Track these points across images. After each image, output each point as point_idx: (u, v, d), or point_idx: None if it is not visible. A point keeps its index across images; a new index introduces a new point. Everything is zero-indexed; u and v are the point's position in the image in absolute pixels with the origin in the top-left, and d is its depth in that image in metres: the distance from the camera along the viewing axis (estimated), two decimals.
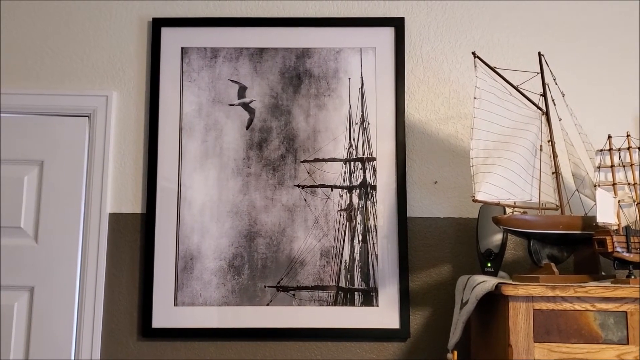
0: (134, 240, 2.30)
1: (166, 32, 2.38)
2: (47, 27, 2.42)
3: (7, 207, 2.28)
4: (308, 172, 2.32)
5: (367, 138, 2.33)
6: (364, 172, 2.31)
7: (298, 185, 2.31)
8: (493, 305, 1.84)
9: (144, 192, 2.32)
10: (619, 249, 1.76)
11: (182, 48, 2.38)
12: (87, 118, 2.35)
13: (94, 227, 2.28)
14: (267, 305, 2.25)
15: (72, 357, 2.23)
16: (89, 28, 2.42)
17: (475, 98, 1.89)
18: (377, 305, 2.24)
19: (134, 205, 2.32)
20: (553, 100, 2.06)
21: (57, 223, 2.28)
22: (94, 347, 2.22)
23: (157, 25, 2.38)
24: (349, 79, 2.36)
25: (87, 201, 2.30)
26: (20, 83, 2.38)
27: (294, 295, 2.26)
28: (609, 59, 2.38)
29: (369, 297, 2.25)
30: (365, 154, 2.32)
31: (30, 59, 2.40)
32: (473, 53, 1.93)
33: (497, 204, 1.87)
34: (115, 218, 2.31)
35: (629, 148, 1.90)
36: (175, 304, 2.25)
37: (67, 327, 2.23)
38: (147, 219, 2.29)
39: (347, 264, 2.27)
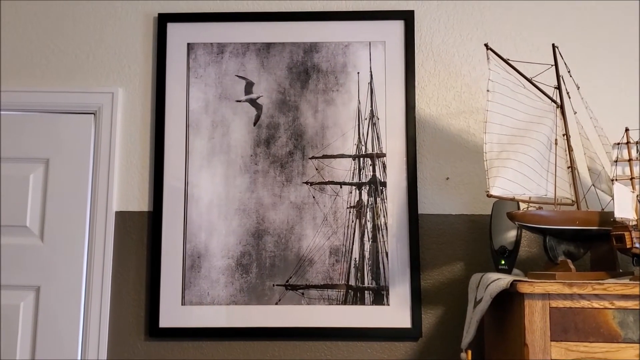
0: (141, 238, 2.28)
1: (172, 28, 2.36)
2: (52, 24, 2.39)
3: (13, 206, 2.26)
4: (316, 169, 2.28)
5: (377, 134, 2.29)
6: (374, 169, 2.28)
7: (306, 182, 2.28)
8: (508, 304, 1.80)
9: (151, 190, 2.30)
10: (637, 245, 1.72)
11: (188, 44, 2.35)
12: (92, 115, 2.33)
13: (100, 226, 2.26)
14: (276, 304, 2.22)
15: (79, 357, 2.20)
16: (94, 24, 2.40)
17: (488, 91, 1.85)
18: (388, 304, 2.20)
19: (141, 203, 2.30)
20: (568, 93, 2.02)
21: (63, 222, 2.26)
22: (101, 347, 2.20)
23: (163, 20, 2.36)
24: (358, 73, 2.32)
25: (93, 199, 2.28)
26: (25, 81, 2.36)
27: (303, 294, 2.22)
28: (625, 51, 2.33)
29: (380, 295, 2.21)
30: (375, 150, 2.28)
31: (35, 56, 2.38)
32: (485, 45, 1.89)
33: (512, 199, 1.83)
34: (121, 216, 2.29)
35: None
36: (183, 303, 2.22)
37: (74, 326, 2.21)
38: (154, 217, 2.26)
39: (357, 262, 2.23)
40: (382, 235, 2.24)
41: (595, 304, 1.66)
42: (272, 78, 2.33)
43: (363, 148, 2.29)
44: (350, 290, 2.22)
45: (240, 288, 2.23)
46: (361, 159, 2.29)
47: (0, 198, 2.26)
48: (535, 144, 1.86)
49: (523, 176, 1.81)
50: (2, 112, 2.32)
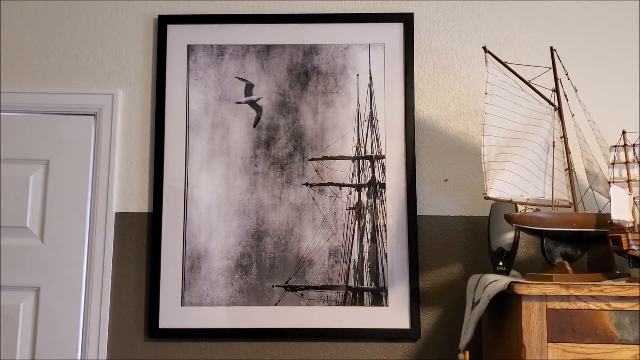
0: (141, 239, 2.29)
1: (172, 30, 2.36)
2: (52, 25, 2.40)
3: (13, 207, 2.27)
4: (316, 171, 2.29)
5: (376, 135, 2.30)
6: (373, 170, 2.28)
7: (306, 184, 2.29)
8: (505, 305, 1.81)
9: (151, 191, 2.30)
10: (634, 247, 1.72)
11: (188, 45, 2.36)
12: (92, 117, 2.34)
13: (100, 227, 2.26)
14: (275, 305, 2.22)
15: (79, 358, 2.21)
16: (95, 26, 2.40)
17: (486, 93, 1.86)
18: (387, 305, 2.21)
19: (141, 204, 2.31)
20: (565, 96, 2.03)
21: (63, 222, 2.27)
22: (101, 348, 2.20)
23: (163, 22, 2.36)
24: (357, 75, 2.33)
25: (93, 200, 2.28)
26: (25, 82, 2.37)
27: (302, 295, 2.23)
28: (623, 54, 2.34)
29: (379, 296, 2.22)
30: (374, 151, 2.29)
31: (36, 57, 2.39)
32: (484, 48, 1.90)
33: (510, 202, 1.84)
34: (121, 217, 2.30)
35: None
36: (183, 304, 2.23)
37: (74, 327, 2.22)
38: (154, 218, 2.27)
39: (356, 263, 2.24)
40: (381, 237, 2.25)
41: (592, 305, 1.67)
42: (271, 80, 2.34)
43: (362, 150, 2.30)
44: (349, 291, 2.23)
45: (240, 289, 2.23)
46: (360, 160, 2.30)
47: (0, 199, 2.27)
48: (532, 147, 1.87)
49: (520, 178, 1.81)
50: (2, 114, 2.32)
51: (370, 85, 2.32)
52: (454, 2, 2.38)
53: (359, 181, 2.29)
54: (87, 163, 2.30)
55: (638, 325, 1.66)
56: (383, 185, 2.28)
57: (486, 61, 1.89)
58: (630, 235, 1.72)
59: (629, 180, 1.84)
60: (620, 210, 1.74)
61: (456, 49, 2.36)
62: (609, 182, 1.85)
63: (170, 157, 2.30)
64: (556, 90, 1.99)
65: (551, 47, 2.05)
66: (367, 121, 2.31)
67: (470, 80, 2.34)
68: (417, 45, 2.35)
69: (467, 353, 1.86)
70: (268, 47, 2.35)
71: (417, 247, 2.23)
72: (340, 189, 2.28)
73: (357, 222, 2.27)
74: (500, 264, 2.01)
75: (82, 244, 2.26)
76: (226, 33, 2.36)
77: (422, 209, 2.28)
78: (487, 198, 1.77)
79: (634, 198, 1.80)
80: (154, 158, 2.31)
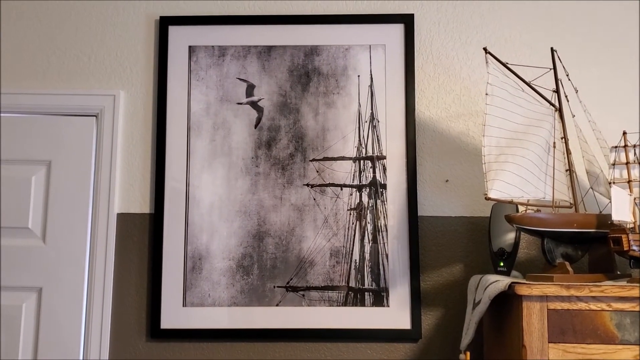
0: (142, 240, 2.29)
1: (174, 31, 2.37)
2: (53, 26, 2.41)
3: (15, 208, 2.27)
4: (317, 171, 2.29)
5: (377, 136, 2.30)
6: (374, 171, 2.29)
7: (307, 185, 2.29)
8: (506, 305, 1.81)
9: (152, 192, 2.31)
10: (634, 248, 1.73)
11: (189, 46, 2.36)
12: (94, 118, 2.34)
13: (102, 228, 2.27)
14: (277, 305, 2.23)
15: (81, 358, 2.22)
16: (96, 27, 2.41)
17: (487, 94, 1.86)
18: (388, 306, 2.22)
19: (142, 205, 2.31)
20: (566, 97, 2.03)
21: (65, 223, 2.27)
22: (102, 348, 2.21)
23: (165, 23, 2.37)
24: (358, 76, 2.33)
25: (95, 201, 2.29)
26: (27, 83, 2.38)
27: (303, 295, 2.23)
28: (623, 55, 2.34)
29: (380, 297, 2.22)
30: (375, 152, 2.30)
31: (37, 58, 2.39)
32: (484, 49, 1.90)
33: (510, 202, 1.84)
34: (123, 218, 2.30)
35: None
36: (184, 305, 2.24)
37: (75, 328, 2.22)
38: (155, 219, 2.27)
39: (357, 263, 2.25)
40: (382, 237, 2.26)
41: (593, 305, 1.67)
42: (273, 81, 2.34)
43: (363, 150, 2.30)
44: (350, 292, 2.23)
45: (241, 289, 2.24)
46: (361, 161, 2.30)
47: (2, 200, 2.28)
48: (533, 147, 1.87)
49: (521, 179, 1.82)
50: (3, 115, 2.33)
51: (371, 86, 2.33)
52: (454, 2, 2.38)
53: (360, 182, 2.29)
54: (89, 164, 2.31)
55: (638, 325, 1.66)
56: (384, 186, 2.28)
57: (487, 62, 1.89)
58: (630, 236, 1.72)
59: (629, 181, 1.84)
60: (620, 210, 1.75)
61: (457, 49, 2.36)
62: (610, 183, 1.85)
63: (171, 158, 2.31)
64: (557, 91, 2.00)
65: (552, 48, 2.05)
66: (368, 122, 2.31)
67: (471, 81, 2.34)
68: (417, 46, 2.36)
69: (468, 353, 1.87)
70: (269, 48, 2.36)
71: (418, 247, 2.23)
72: (342, 189, 2.29)
73: (358, 222, 2.27)
74: (501, 264, 2.02)
75: (84, 245, 2.27)
76: (227, 34, 2.37)
77: (423, 210, 2.28)
78: (487, 199, 1.77)
79: (634, 199, 1.81)
80: (155, 159, 2.31)
